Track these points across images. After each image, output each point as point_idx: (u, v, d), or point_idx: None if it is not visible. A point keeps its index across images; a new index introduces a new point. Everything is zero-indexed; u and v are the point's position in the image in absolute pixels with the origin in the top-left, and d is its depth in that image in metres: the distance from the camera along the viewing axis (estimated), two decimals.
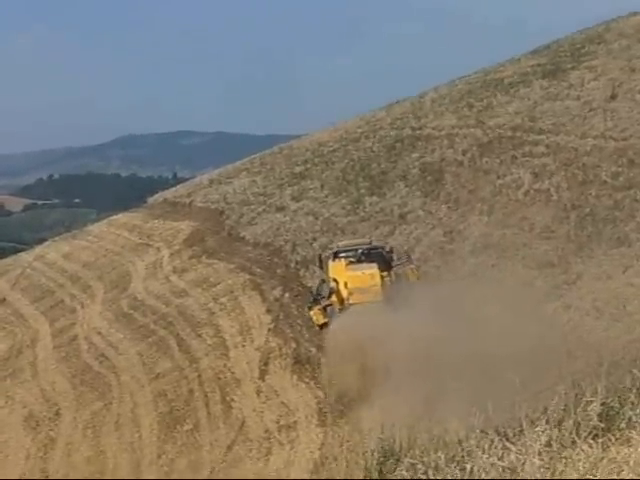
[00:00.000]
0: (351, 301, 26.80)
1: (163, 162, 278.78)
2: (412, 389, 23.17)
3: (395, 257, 29.85)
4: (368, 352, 24.50)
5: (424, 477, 6.21)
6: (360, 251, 28.66)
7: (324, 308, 27.63)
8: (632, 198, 28.76)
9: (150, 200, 54.67)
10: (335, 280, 27.65)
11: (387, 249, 29.97)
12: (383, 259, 28.49)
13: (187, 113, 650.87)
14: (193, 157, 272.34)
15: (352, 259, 28.28)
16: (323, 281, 29.00)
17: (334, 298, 27.36)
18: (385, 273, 27.52)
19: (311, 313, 28.53)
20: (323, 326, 27.74)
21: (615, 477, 5.37)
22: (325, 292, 28.14)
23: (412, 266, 29.72)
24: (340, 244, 30.92)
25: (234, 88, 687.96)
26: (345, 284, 27.17)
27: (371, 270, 27.14)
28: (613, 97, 37.96)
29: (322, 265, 29.61)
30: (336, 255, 28.87)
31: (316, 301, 28.49)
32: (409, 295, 26.05)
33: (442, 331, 23.62)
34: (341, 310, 27.15)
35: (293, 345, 29.97)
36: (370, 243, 30.17)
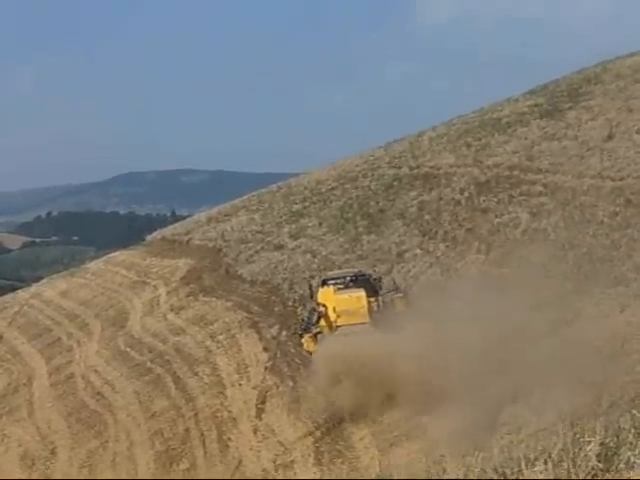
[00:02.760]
0: (339, 323, 28.03)
1: (162, 200, 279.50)
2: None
3: (384, 285, 30.98)
4: (354, 370, 25.44)
5: None
6: (348, 278, 29.96)
7: (315, 335, 28.49)
8: (629, 237, 28.76)
9: (148, 238, 54.74)
10: (324, 305, 28.58)
11: (374, 276, 31.08)
12: (370, 285, 29.66)
13: (187, 151, 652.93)
14: (192, 195, 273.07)
15: (340, 285, 29.49)
16: (314, 309, 29.53)
17: (323, 322, 28.39)
18: (372, 298, 28.74)
19: (302, 340, 29.44)
20: (314, 353, 28.42)
21: None
22: (315, 319, 28.91)
23: (400, 294, 30.75)
24: (329, 273, 32.41)
25: (234, 126, 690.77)
26: (333, 308, 28.26)
27: (358, 293, 28.51)
28: (610, 137, 38.08)
29: (312, 294, 30.42)
30: (325, 282, 30.12)
31: (307, 329, 29.25)
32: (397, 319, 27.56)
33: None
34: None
35: (290, 383, 29.89)
36: (359, 271, 31.29)
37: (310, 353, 28.85)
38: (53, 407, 35.86)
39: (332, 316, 28.30)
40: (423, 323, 26.68)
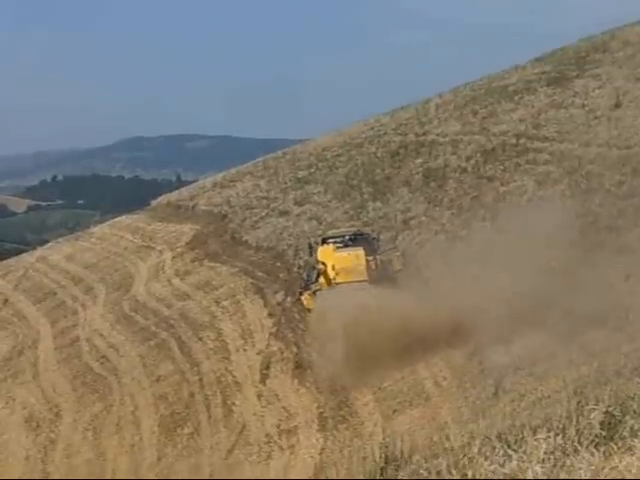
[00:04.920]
0: (337, 280, 28.83)
1: (167, 165, 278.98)
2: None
3: (381, 244, 31.87)
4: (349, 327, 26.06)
5: None
6: (347, 237, 30.84)
7: (314, 293, 29.31)
8: (635, 207, 28.70)
9: (153, 203, 54.65)
10: (323, 263, 29.37)
11: (373, 236, 31.97)
12: (369, 244, 30.45)
13: (193, 116, 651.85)
14: (197, 160, 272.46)
15: (339, 244, 30.34)
16: (313, 267, 30.25)
17: (322, 280, 29.19)
18: (371, 257, 29.51)
19: (302, 298, 30.35)
20: (312, 310, 29.37)
21: None
22: (314, 277, 29.64)
23: (398, 253, 31.86)
24: (329, 232, 33.13)
25: (240, 92, 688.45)
26: (332, 266, 29.06)
27: (356, 252, 29.33)
28: (617, 105, 37.93)
29: (312, 252, 31.17)
30: (324, 241, 31.03)
31: (307, 287, 30.07)
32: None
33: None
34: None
35: (294, 349, 29.99)
36: (358, 230, 32.24)
37: (309, 310, 29.67)
38: (58, 370, 35.99)
39: (331, 274, 29.04)
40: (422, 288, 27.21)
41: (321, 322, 27.77)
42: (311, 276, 30.08)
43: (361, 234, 31.48)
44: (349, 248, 29.84)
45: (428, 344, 25.81)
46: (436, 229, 34.39)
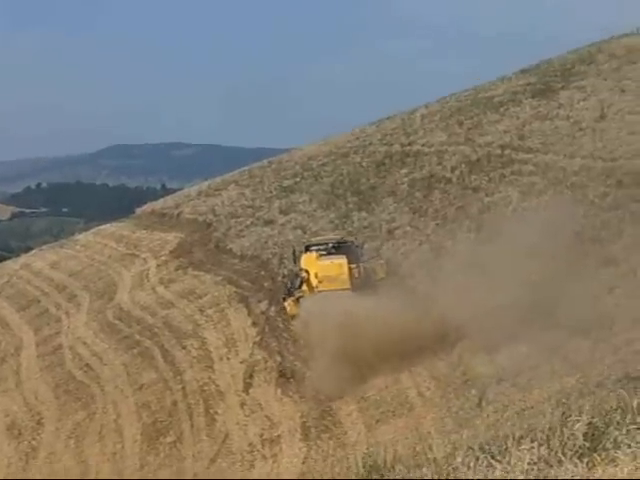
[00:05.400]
0: (320, 288, 28.95)
1: (152, 173, 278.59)
2: None
3: (365, 252, 32.11)
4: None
5: None
6: (330, 245, 30.94)
7: (297, 299, 29.38)
8: (619, 218, 28.78)
9: (138, 211, 54.59)
10: (306, 271, 29.58)
11: (356, 243, 32.11)
12: (352, 252, 30.59)
13: (180, 124, 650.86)
14: (182, 168, 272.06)
15: (323, 252, 30.46)
16: (296, 275, 30.35)
17: (305, 287, 29.38)
18: (354, 265, 29.65)
19: (285, 304, 30.38)
20: (295, 317, 29.46)
21: None
22: (297, 284, 29.77)
23: (381, 261, 31.87)
24: (312, 239, 33.15)
25: (227, 101, 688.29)
26: (315, 274, 29.25)
27: (339, 260, 29.46)
28: (602, 117, 38.10)
29: (295, 259, 31.24)
30: (308, 248, 31.09)
31: (290, 293, 30.11)
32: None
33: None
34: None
35: (278, 359, 29.95)
36: (342, 238, 32.27)
37: (292, 317, 29.74)
38: (40, 378, 35.87)
39: (314, 282, 29.25)
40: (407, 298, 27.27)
41: (304, 330, 27.83)
42: (294, 283, 30.18)
43: (344, 242, 31.61)
44: (332, 256, 29.98)
45: (412, 354, 25.83)
46: (421, 239, 34.42)
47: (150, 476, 28.25)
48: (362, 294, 28.09)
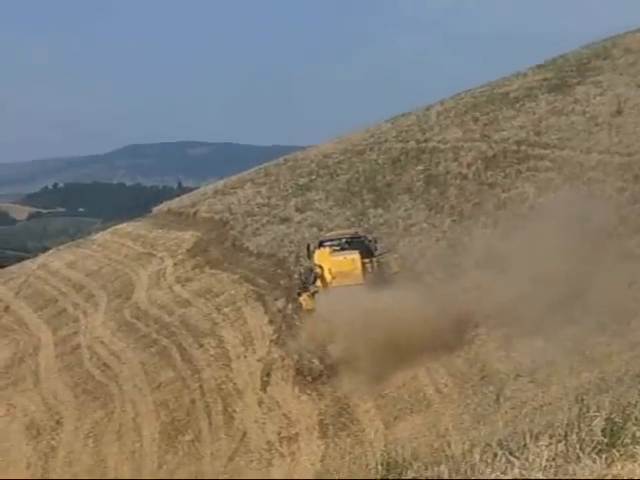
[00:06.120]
0: (334, 284, 29.03)
1: (168, 172, 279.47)
2: None
3: (379, 247, 32.23)
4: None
5: None
6: (344, 240, 31.08)
7: (312, 294, 29.52)
8: (637, 213, 28.69)
9: (155, 210, 54.68)
10: (320, 266, 29.73)
11: (369, 238, 32.23)
12: (366, 247, 30.79)
13: (194, 123, 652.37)
14: (198, 167, 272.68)
15: (336, 247, 30.57)
16: (311, 270, 30.55)
17: (319, 283, 29.50)
18: (367, 260, 29.84)
19: (300, 299, 30.55)
20: (311, 311, 29.50)
21: None
22: (312, 279, 29.98)
23: (395, 256, 32.43)
24: (326, 235, 33.53)
25: (241, 99, 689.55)
26: (329, 269, 29.41)
27: (352, 255, 29.61)
28: (619, 112, 37.96)
29: (310, 254, 31.41)
30: (321, 244, 31.29)
31: (305, 288, 30.22)
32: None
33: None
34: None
35: (295, 357, 29.93)
36: (355, 233, 32.44)
37: (308, 311, 29.78)
38: (59, 378, 35.96)
39: (327, 277, 29.41)
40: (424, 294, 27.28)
41: (320, 326, 27.83)
42: (309, 278, 30.31)
43: (358, 237, 31.80)
44: (345, 252, 30.10)
45: (429, 350, 25.80)
46: (437, 236, 34.39)
47: (168, 476, 28.31)
48: (377, 290, 28.03)
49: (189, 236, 44.62)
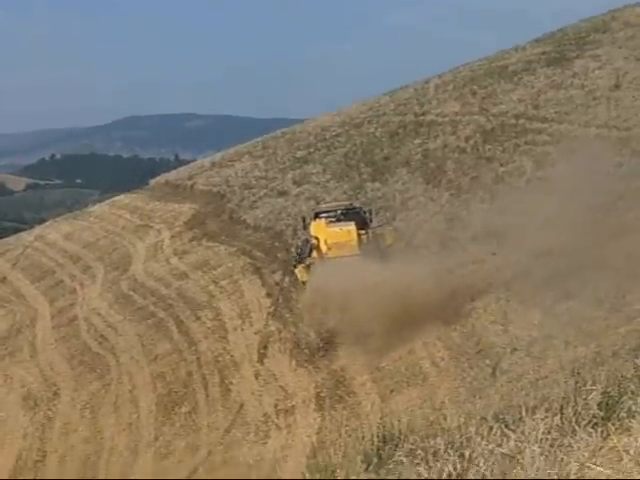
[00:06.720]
0: (329, 255, 29.01)
1: (165, 144, 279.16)
2: None
3: (374, 218, 32.18)
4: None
5: (423, 462, 6.20)
6: (339, 211, 31.15)
7: (308, 266, 29.49)
8: (634, 188, 28.68)
9: (152, 182, 54.68)
10: (316, 238, 29.69)
11: (365, 209, 32.27)
12: (361, 218, 30.75)
13: (191, 95, 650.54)
14: (195, 140, 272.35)
15: (332, 219, 30.59)
16: (307, 241, 30.57)
17: (315, 254, 29.48)
18: (363, 231, 29.82)
19: (295, 271, 30.52)
20: (306, 283, 29.40)
21: (615, 465, 5.37)
22: (307, 251, 29.98)
23: (390, 228, 32.48)
24: (322, 206, 33.47)
25: (239, 71, 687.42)
26: (325, 241, 29.37)
27: (348, 227, 29.57)
28: (617, 86, 37.88)
29: (305, 226, 31.62)
30: (317, 215, 31.27)
31: (301, 260, 30.26)
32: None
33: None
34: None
35: (292, 329, 29.99)
36: (350, 204, 32.54)
37: (303, 283, 29.72)
38: (56, 349, 36.02)
39: (323, 248, 29.36)
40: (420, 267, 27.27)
41: (316, 297, 27.82)
42: (305, 250, 30.33)
43: (353, 208, 31.83)
44: (341, 223, 30.11)
45: (426, 324, 25.83)
46: (435, 209, 34.37)
47: (164, 448, 28.39)
48: (372, 262, 28.01)
49: (186, 209, 44.62)
